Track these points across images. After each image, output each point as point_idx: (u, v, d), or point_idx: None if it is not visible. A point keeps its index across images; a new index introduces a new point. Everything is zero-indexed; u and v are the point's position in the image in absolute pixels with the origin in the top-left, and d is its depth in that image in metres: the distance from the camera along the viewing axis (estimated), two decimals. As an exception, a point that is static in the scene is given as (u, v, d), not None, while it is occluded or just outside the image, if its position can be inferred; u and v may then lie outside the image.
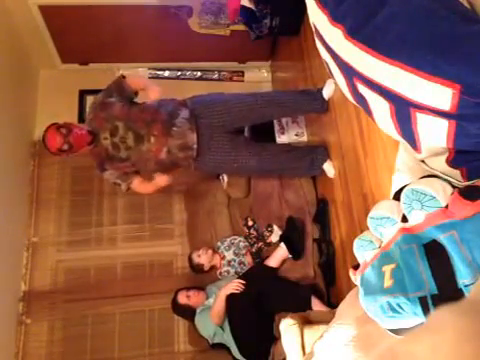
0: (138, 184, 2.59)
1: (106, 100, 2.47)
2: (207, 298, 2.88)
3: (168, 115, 2.45)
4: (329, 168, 2.63)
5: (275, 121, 3.05)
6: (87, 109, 2.44)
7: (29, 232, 3.40)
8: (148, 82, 2.61)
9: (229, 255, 3.05)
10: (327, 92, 2.56)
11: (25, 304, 3.19)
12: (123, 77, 2.53)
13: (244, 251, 3.03)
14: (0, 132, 3.08)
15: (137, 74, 2.63)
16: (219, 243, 3.14)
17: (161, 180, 2.57)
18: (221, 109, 2.49)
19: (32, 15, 3.32)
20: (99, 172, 2.57)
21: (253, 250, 3.00)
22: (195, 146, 2.46)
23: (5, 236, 3.03)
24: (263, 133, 2.99)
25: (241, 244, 3.06)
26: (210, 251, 3.02)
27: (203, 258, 2.99)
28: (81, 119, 3.81)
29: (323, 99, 2.57)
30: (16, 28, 3.39)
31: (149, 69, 3.98)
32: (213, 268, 3.07)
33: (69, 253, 3.44)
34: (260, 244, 2.97)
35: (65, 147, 2.37)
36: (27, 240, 3.37)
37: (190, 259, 3.07)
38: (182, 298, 2.88)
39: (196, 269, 3.05)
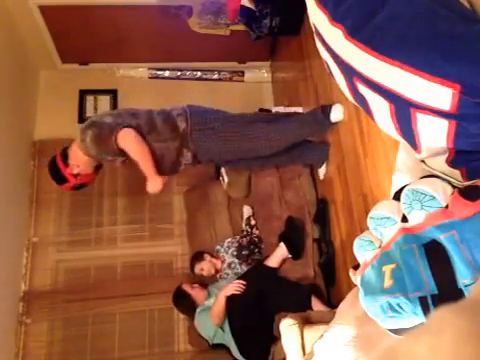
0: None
1: (104, 158, 2.36)
2: (207, 298, 2.88)
3: (171, 164, 2.39)
4: (322, 170, 2.70)
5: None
6: (81, 136, 2.25)
7: (29, 232, 3.40)
8: (149, 167, 2.29)
9: (229, 258, 3.05)
10: (335, 116, 2.43)
11: (25, 304, 3.19)
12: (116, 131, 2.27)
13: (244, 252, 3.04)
14: (0, 132, 3.07)
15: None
16: (218, 246, 3.15)
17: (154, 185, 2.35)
18: (226, 156, 2.48)
19: (32, 15, 3.32)
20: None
21: (243, 252, 3.00)
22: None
23: (5, 236, 3.03)
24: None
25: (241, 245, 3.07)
26: (214, 270, 3.04)
27: (205, 271, 3.03)
28: (81, 119, 3.82)
29: (329, 122, 2.46)
30: (16, 28, 3.39)
31: (149, 69, 3.99)
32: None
33: (69, 253, 3.44)
34: (255, 249, 2.99)
35: (79, 187, 2.46)
36: (27, 240, 3.37)
37: (192, 266, 3.09)
38: (186, 286, 2.92)
39: (196, 275, 3.09)
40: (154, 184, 2.29)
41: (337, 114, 2.42)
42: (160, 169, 2.38)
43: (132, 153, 2.24)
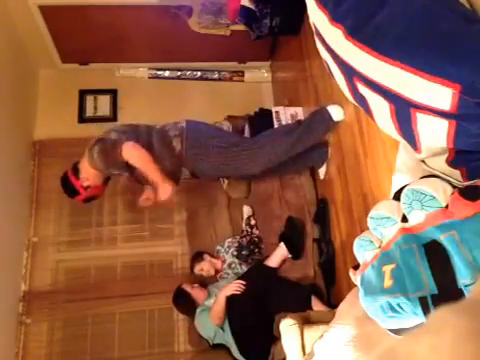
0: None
1: (111, 172, 2.49)
2: (207, 298, 2.88)
3: (171, 179, 2.46)
4: (323, 170, 2.72)
5: (274, 120, 3.03)
6: (89, 151, 2.36)
7: (29, 232, 3.39)
8: (156, 175, 2.34)
9: (229, 258, 3.06)
10: (336, 115, 2.43)
11: (25, 304, 3.19)
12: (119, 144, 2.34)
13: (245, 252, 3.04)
14: (0, 132, 3.07)
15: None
16: (219, 246, 3.16)
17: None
18: (222, 175, 2.62)
19: (32, 15, 3.32)
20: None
21: (243, 252, 3.00)
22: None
23: (5, 236, 3.03)
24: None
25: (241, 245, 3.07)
26: (213, 270, 3.05)
27: (205, 272, 3.04)
28: (81, 119, 3.82)
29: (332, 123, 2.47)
30: (16, 28, 3.39)
31: (149, 69, 3.99)
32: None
33: (69, 253, 3.44)
34: (255, 249, 2.99)
35: (90, 199, 2.61)
36: (27, 240, 3.36)
37: (192, 266, 3.10)
38: (186, 286, 2.92)
39: (196, 275, 3.09)
40: (164, 190, 2.34)
41: (337, 114, 2.42)
42: None
43: (137, 164, 2.33)
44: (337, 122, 2.44)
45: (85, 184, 2.47)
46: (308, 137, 2.50)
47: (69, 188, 2.50)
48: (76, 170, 2.47)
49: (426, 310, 1.04)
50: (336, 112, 2.43)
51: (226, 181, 3.23)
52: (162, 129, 2.49)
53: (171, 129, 2.47)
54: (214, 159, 2.45)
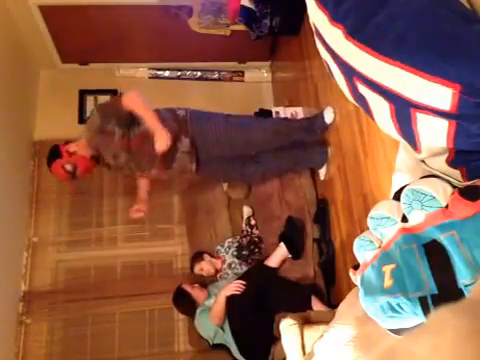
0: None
1: (105, 128, 2.42)
2: (207, 298, 2.88)
3: (168, 150, 2.44)
4: (323, 171, 2.73)
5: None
6: (86, 121, 2.49)
7: (29, 232, 3.40)
8: (155, 122, 2.37)
9: (229, 258, 3.06)
10: (328, 117, 2.57)
11: (25, 304, 3.19)
12: (120, 95, 2.51)
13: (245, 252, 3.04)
14: (0, 132, 3.07)
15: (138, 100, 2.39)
16: (219, 246, 3.16)
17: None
18: (223, 146, 2.55)
19: (32, 15, 3.32)
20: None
21: (243, 252, 3.00)
22: (194, 169, 2.60)
23: (5, 236, 3.03)
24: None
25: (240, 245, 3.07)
26: (213, 270, 3.05)
27: (205, 272, 3.05)
28: (81, 119, 3.82)
29: (323, 125, 2.61)
30: (16, 28, 3.39)
31: (149, 69, 3.99)
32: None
33: (69, 253, 3.44)
34: (255, 249, 2.99)
35: (70, 169, 2.52)
36: (27, 240, 3.36)
37: (192, 266, 3.10)
38: (186, 286, 2.93)
39: (195, 275, 3.09)
40: (162, 137, 2.33)
41: (329, 116, 2.56)
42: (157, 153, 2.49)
43: (137, 109, 2.37)
44: (330, 124, 2.57)
45: (71, 149, 2.48)
46: (306, 128, 2.66)
47: (53, 150, 2.53)
48: (69, 141, 2.55)
49: (426, 310, 1.04)
50: (328, 114, 2.57)
51: (226, 184, 3.26)
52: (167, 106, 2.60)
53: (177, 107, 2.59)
54: (218, 120, 2.53)
